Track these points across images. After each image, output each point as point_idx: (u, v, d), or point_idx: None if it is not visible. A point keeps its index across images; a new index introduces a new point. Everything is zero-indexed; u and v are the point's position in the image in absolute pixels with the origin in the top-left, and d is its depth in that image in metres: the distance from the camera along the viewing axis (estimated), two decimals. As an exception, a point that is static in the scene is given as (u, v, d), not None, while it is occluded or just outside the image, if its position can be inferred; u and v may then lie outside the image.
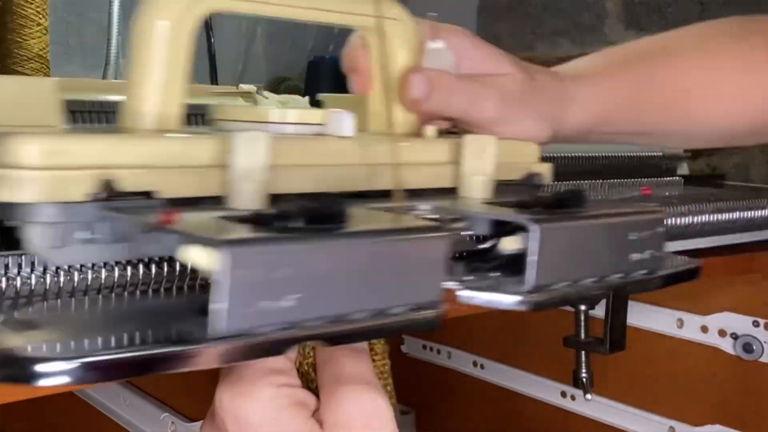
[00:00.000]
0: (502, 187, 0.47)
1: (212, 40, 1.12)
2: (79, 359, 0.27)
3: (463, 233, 0.41)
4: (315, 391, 0.39)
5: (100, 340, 0.29)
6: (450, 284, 0.38)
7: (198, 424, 0.74)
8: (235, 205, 0.36)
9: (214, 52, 1.12)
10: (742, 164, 1.22)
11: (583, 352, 0.71)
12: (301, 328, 0.31)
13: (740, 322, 0.78)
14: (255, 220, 0.33)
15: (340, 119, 0.46)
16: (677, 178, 0.86)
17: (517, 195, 0.46)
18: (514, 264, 0.39)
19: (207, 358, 0.29)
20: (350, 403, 0.38)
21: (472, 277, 0.39)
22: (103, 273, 0.35)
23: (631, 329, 0.67)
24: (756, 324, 0.76)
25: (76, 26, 1.28)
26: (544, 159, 0.53)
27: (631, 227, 0.42)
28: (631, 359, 0.82)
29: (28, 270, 0.34)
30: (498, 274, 0.40)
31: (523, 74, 0.54)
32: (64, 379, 0.27)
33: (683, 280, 0.47)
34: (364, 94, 0.53)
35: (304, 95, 0.72)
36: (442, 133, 0.52)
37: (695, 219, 0.63)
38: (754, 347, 0.76)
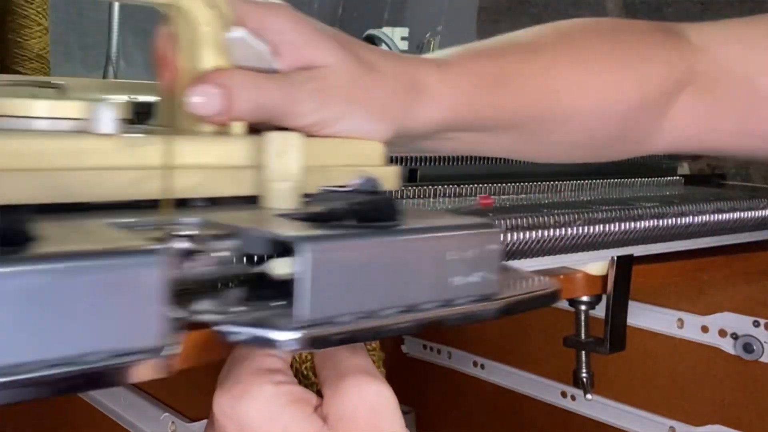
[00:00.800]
0: (326, 194, 0.40)
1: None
2: None
3: (216, 254, 0.32)
4: (317, 394, 0.39)
5: None
6: (209, 317, 0.32)
7: (198, 424, 0.74)
8: None
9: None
10: (742, 164, 1.22)
11: (583, 352, 0.71)
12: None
13: (740, 322, 0.78)
14: None
15: (98, 112, 0.38)
16: (677, 177, 0.86)
17: (334, 205, 0.36)
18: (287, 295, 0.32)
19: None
20: (354, 394, 0.37)
21: (243, 308, 0.32)
22: None
23: (631, 329, 0.67)
24: (756, 324, 0.76)
25: (76, 26, 1.28)
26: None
27: (448, 245, 0.35)
28: (631, 359, 0.82)
29: None
30: (284, 302, 0.32)
31: (354, 62, 0.45)
32: None
33: (533, 307, 0.40)
34: (171, 87, 0.44)
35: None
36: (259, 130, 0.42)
37: (695, 219, 0.63)
38: (754, 347, 0.76)
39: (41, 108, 0.38)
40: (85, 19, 1.28)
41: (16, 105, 0.38)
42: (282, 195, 0.38)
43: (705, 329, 0.80)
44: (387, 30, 1.11)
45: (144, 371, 0.27)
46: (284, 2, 0.45)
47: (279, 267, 0.31)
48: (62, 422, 0.92)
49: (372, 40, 1.10)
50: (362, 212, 0.34)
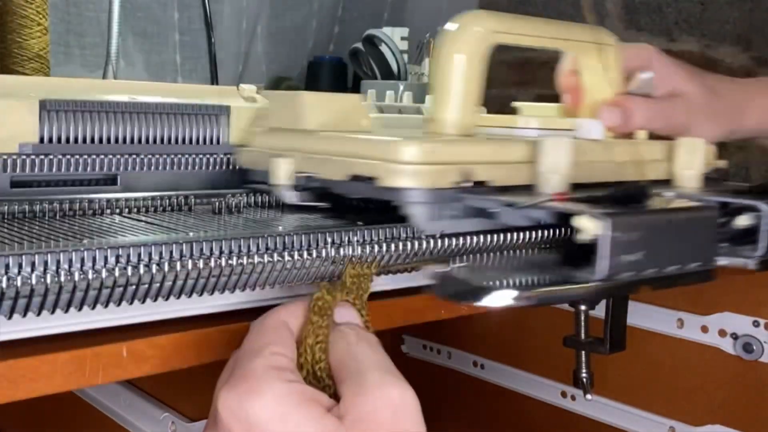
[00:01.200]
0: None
1: (212, 40, 1.12)
2: (511, 289, 0.41)
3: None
4: (333, 397, 0.37)
5: (519, 280, 0.43)
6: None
7: (198, 424, 0.74)
8: (542, 190, 0.50)
9: (214, 52, 1.12)
10: (742, 164, 1.22)
11: (583, 352, 0.71)
12: (643, 275, 0.44)
13: (740, 322, 0.78)
14: (593, 200, 0.47)
15: (591, 126, 0.62)
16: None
17: (715, 183, 0.61)
18: (741, 237, 0.51)
19: (592, 294, 0.44)
20: (376, 395, 0.35)
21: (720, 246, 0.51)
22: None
23: (631, 329, 0.67)
24: (756, 324, 0.76)
25: (76, 26, 1.28)
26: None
27: None
28: (631, 359, 0.82)
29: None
30: (726, 244, 0.51)
31: (702, 87, 0.68)
32: (500, 302, 0.41)
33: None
34: (576, 109, 0.67)
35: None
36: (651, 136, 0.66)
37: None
38: (754, 347, 0.76)
39: (564, 123, 0.64)
40: (85, 19, 1.28)
41: (518, 121, 0.64)
42: (689, 178, 0.59)
43: (705, 329, 0.80)
44: (387, 30, 1.10)
45: (705, 275, 0.48)
46: (653, 46, 0.68)
47: (742, 221, 0.51)
48: (62, 422, 0.92)
49: (372, 40, 1.10)
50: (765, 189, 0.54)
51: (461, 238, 0.46)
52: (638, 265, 0.44)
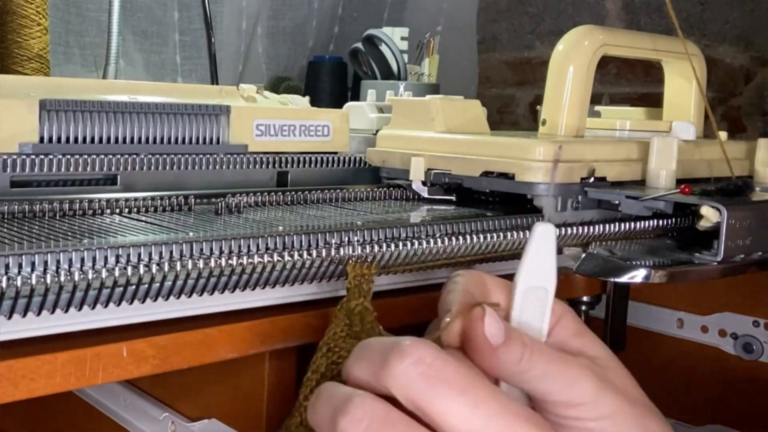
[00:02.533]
0: None
1: (212, 40, 1.12)
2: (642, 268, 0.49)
3: None
4: None
5: (651, 261, 0.50)
6: None
7: (198, 424, 0.74)
8: (652, 185, 0.57)
9: (214, 52, 1.12)
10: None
11: (583, 352, 0.71)
12: (751, 258, 0.51)
13: (740, 322, 0.78)
14: (706, 193, 0.53)
15: (686, 128, 0.68)
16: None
17: None
18: None
19: (714, 273, 0.51)
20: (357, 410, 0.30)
21: None
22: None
23: (631, 329, 0.67)
24: (756, 324, 0.76)
25: (76, 26, 1.28)
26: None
27: None
28: (631, 359, 0.82)
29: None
30: None
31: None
32: (638, 278, 0.49)
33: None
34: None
35: (304, 95, 0.72)
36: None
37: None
38: (754, 347, 0.76)
39: (660, 125, 0.70)
40: (85, 19, 1.28)
41: (645, 124, 0.71)
42: None
43: (705, 329, 0.80)
44: (387, 30, 1.10)
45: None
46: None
47: None
48: (62, 422, 0.92)
49: (372, 40, 1.10)
50: None
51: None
52: (748, 249, 0.51)
